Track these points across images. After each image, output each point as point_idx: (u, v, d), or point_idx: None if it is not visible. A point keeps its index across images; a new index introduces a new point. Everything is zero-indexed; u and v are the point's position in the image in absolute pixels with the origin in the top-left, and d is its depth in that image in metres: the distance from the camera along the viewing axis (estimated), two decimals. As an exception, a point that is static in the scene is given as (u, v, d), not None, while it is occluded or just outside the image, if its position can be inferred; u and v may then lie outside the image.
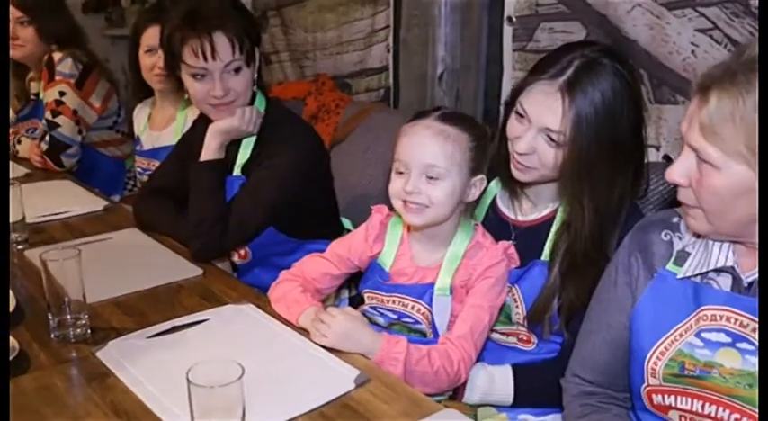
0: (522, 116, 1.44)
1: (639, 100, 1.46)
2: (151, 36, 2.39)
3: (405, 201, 1.43)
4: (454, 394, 1.45)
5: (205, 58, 1.75)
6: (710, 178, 1.09)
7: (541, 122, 1.40)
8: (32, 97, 2.97)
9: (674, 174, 1.14)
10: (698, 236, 1.21)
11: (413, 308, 1.49)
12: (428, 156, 1.41)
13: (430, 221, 1.45)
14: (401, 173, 1.44)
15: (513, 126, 1.46)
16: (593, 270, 1.39)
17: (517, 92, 1.46)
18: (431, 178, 1.41)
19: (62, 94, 2.73)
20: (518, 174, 1.49)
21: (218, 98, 1.80)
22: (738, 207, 1.09)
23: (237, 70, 1.81)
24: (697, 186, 1.11)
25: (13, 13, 2.76)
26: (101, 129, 2.86)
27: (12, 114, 3.05)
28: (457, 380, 1.40)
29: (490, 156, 1.50)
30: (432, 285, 1.48)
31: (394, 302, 1.52)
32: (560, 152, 1.41)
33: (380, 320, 1.55)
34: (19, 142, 2.93)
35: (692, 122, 1.09)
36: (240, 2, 1.94)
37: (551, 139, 1.40)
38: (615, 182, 1.43)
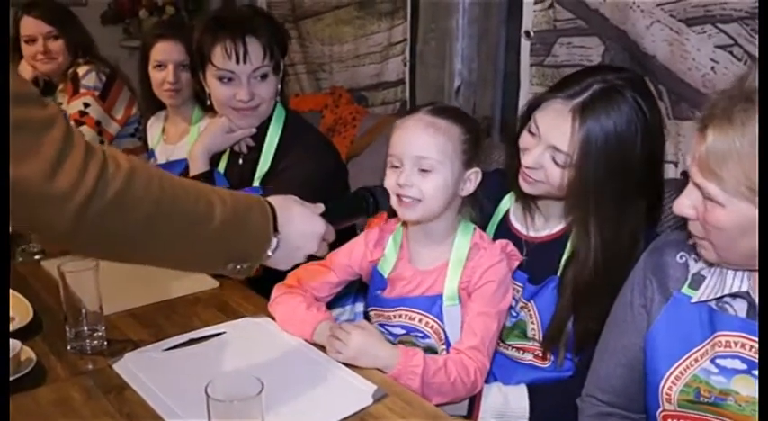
0: (534, 130, 1.43)
1: (657, 135, 1.42)
2: (159, 51, 2.37)
3: (399, 196, 1.43)
4: (469, 414, 1.43)
5: (237, 61, 1.76)
6: (715, 214, 1.06)
7: (550, 140, 1.40)
8: (62, 109, 2.98)
9: (682, 206, 1.12)
10: (711, 264, 1.19)
11: (420, 321, 1.48)
12: (419, 149, 1.41)
13: (423, 216, 1.45)
14: (395, 167, 1.44)
15: (525, 138, 1.46)
16: (603, 299, 1.37)
17: (533, 106, 1.45)
18: (423, 171, 1.41)
19: (86, 105, 2.76)
20: (525, 186, 1.48)
21: (244, 102, 1.81)
22: (745, 242, 1.06)
23: (264, 77, 1.82)
24: (703, 220, 1.09)
25: (43, 28, 2.80)
26: (123, 137, 2.88)
27: None
28: (473, 389, 1.38)
29: (486, 149, 1.49)
30: (440, 296, 1.46)
31: (400, 316, 1.50)
32: (566, 173, 1.39)
33: (389, 339, 1.52)
34: None
35: (694, 159, 1.07)
36: (269, 13, 1.95)
37: (558, 159, 1.40)
38: (625, 216, 1.40)
